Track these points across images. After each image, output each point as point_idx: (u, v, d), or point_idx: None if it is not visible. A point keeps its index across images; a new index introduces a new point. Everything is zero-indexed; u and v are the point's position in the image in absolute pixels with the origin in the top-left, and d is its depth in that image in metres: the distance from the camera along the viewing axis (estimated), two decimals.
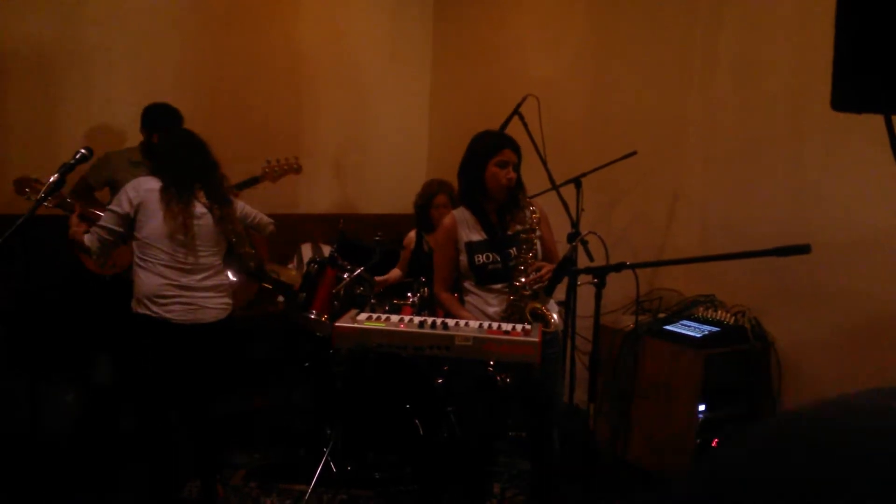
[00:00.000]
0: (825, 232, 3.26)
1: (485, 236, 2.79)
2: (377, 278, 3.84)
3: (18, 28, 4.42)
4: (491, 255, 2.75)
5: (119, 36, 4.74)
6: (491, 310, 2.76)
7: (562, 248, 3.30)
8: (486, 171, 2.75)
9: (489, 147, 2.78)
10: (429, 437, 3.37)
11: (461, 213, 2.84)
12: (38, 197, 2.54)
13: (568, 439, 2.83)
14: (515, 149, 2.79)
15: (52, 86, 4.53)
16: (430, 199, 3.86)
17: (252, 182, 3.90)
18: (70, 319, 3.93)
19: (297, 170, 4.05)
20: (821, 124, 3.30)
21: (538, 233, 2.81)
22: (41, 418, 2.96)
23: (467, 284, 2.84)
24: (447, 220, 2.86)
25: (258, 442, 3.89)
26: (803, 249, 2.05)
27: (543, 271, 2.71)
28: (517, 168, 2.78)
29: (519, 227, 2.79)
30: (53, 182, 2.55)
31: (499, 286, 2.77)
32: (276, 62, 5.41)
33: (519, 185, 2.81)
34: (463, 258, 2.80)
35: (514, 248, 2.76)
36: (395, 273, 4.05)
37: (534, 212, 2.77)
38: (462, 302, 2.92)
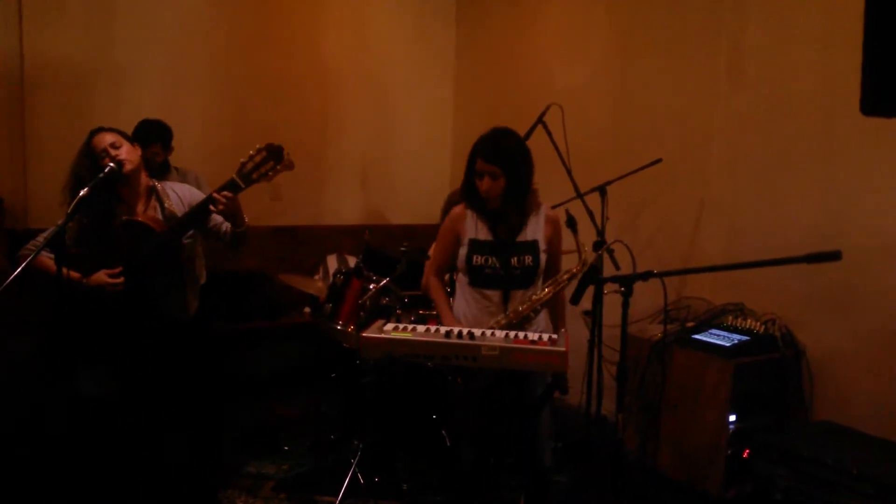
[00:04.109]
0: (856, 237, 3.21)
1: (491, 237, 2.71)
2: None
3: (52, 46, 4.53)
4: (490, 259, 2.68)
5: (148, 53, 4.84)
6: (472, 316, 2.71)
7: (587, 257, 3.29)
8: (473, 178, 2.67)
9: (470, 153, 2.67)
10: (455, 448, 3.36)
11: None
12: (68, 212, 2.56)
13: (597, 449, 2.79)
14: (491, 158, 2.59)
15: (83, 101, 4.63)
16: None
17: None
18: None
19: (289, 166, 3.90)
20: (850, 128, 3.25)
21: (545, 247, 2.73)
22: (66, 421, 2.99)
23: (460, 280, 2.79)
24: (456, 209, 2.78)
25: (287, 453, 3.91)
26: (834, 256, 2.02)
27: (535, 300, 2.65)
28: (502, 177, 2.59)
29: (529, 239, 2.71)
30: (83, 197, 2.58)
31: (491, 292, 2.70)
32: (302, 76, 5.47)
33: (514, 194, 2.64)
34: (462, 252, 2.72)
35: (516, 258, 2.68)
36: None
37: (553, 219, 2.69)
38: (453, 294, 2.88)
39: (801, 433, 3.13)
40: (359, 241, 3.99)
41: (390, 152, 5.95)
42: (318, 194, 5.67)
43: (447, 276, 3.27)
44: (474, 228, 2.73)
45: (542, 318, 2.76)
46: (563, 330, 2.70)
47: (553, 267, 2.79)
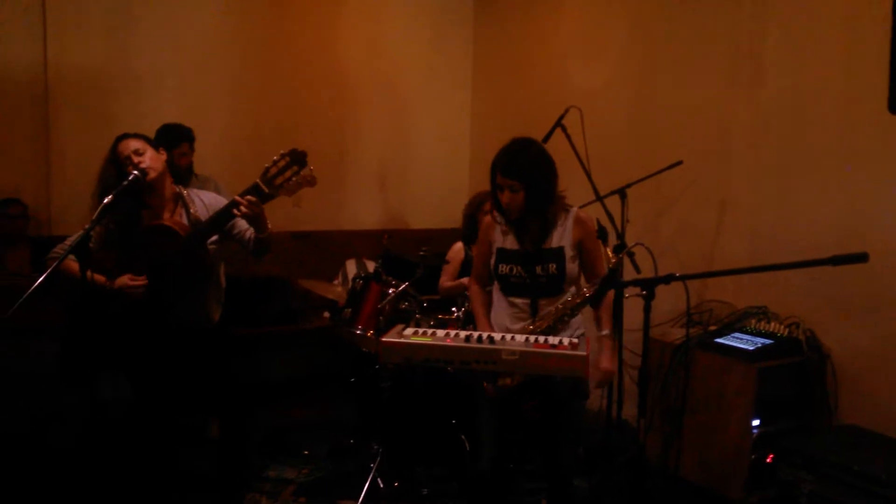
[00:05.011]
0: (881, 239, 3.16)
1: (517, 247, 2.70)
2: (461, 281, 3.81)
3: (75, 55, 4.60)
4: (515, 268, 2.67)
5: (168, 62, 4.89)
6: (502, 323, 2.70)
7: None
8: (496, 190, 2.67)
9: (491, 166, 2.66)
10: (475, 453, 3.35)
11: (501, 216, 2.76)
12: (93, 218, 2.59)
13: (618, 454, 2.76)
14: (508, 172, 2.59)
15: (105, 109, 4.69)
16: (479, 206, 3.80)
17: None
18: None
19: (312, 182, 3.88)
20: (873, 128, 3.21)
21: (572, 253, 2.68)
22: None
23: (494, 287, 2.80)
24: (487, 218, 2.81)
25: (306, 457, 3.91)
26: (860, 258, 1.98)
27: (556, 310, 2.61)
28: (521, 190, 2.58)
29: (554, 247, 2.67)
30: (107, 204, 2.60)
31: (520, 300, 2.69)
32: (320, 82, 5.50)
33: (535, 205, 2.62)
34: (492, 261, 2.74)
35: (540, 267, 2.65)
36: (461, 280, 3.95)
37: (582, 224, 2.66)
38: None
39: (826, 438, 3.09)
40: (377, 246, 4.00)
41: (408, 157, 5.96)
42: (337, 199, 5.69)
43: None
44: (502, 238, 2.74)
45: (577, 324, 2.72)
46: (582, 334, 2.68)
47: (592, 267, 2.74)
